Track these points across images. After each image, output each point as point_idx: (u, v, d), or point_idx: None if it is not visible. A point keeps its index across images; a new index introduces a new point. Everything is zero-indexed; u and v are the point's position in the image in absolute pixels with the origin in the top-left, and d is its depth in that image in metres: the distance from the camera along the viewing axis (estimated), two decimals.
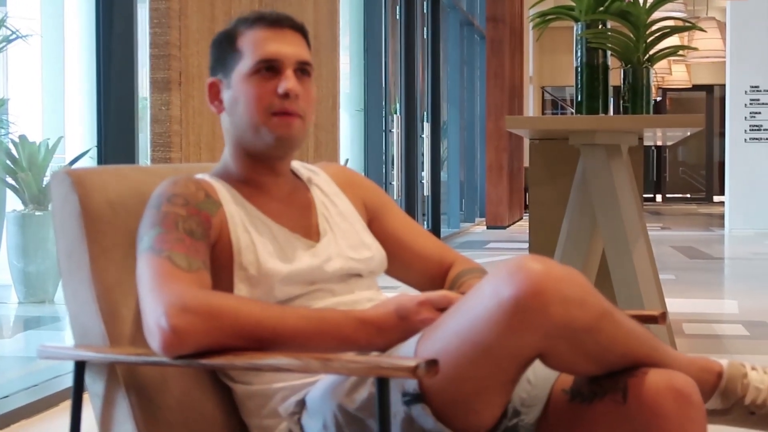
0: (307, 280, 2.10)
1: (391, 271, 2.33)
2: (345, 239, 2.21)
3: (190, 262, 1.94)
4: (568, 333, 1.76)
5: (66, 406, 4.00)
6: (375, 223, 2.32)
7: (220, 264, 2.06)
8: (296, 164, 2.30)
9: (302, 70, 2.14)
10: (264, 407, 2.05)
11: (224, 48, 2.17)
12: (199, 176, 2.18)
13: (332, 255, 2.16)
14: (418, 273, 2.31)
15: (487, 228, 15.04)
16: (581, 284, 1.79)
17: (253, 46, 2.12)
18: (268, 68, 2.11)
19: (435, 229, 12.23)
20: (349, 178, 2.36)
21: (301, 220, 2.19)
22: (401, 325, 1.87)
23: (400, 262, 2.31)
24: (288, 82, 2.09)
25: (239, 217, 2.11)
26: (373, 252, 2.23)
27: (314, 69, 2.20)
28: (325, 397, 1.95)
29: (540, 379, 1.97)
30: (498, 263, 2.03)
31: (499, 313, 1.75)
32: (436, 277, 2.30)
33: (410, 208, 10.84)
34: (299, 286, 2.08)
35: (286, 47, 2.12)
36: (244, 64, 2.12)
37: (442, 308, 1.89)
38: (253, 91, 2.10)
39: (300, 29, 2.18)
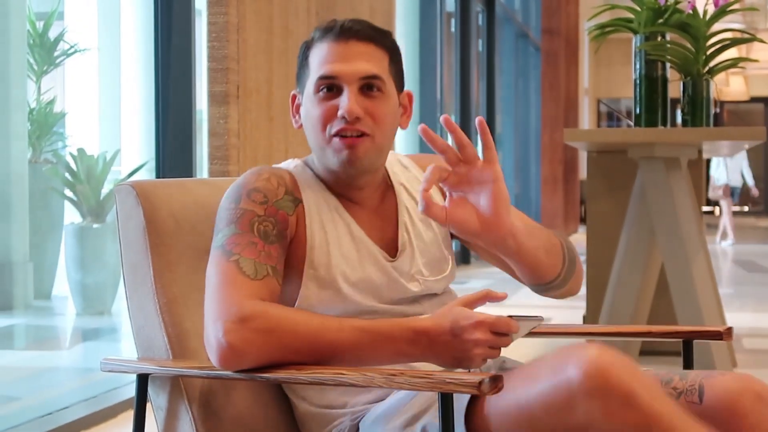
0: (375, 295, 2.04)
1: (492, 261, 2.18)
2: (424, 255, 2.12)
3: (257, 268, 1.91)
4: (619, 427, 1.72)
5: (124, 417, 4.02)
6: None
7: (294, 260, 2.02)
8: (392, 160, 2.20)
9: (368, 86, 2.02)
10: (323, 429, 2.04)
11: (300, 60, 2.10)
12: (287, 165, 2.13)
13: (406, 276, 2.09)
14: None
15: None
16: (647, 385, 1.72)
17: (317, 62, 2.04)
18: (329, 87, 2.02)
19: None
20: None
21: (384, 230, 2.11)
22: (452, 342, 1.82)
23: (494, 257, 2.13)
24: (346, 102, 2.00)
25: (318, 213, 2.05)
26: (450, 266, 2.16)
27: (396, 85, 2.09)
28: (377, 423, 1.94)
29: None
30: (570, 346, 1.95)
31: (560, 396, 1.71)
32: None
33: None
34: (367, 299, 2.03)
35: (346, 64, 2.01)
36: (310, 82, 2.05)
37: (498, 332, 1.81)
38: (315, 111, 2.03)
39: (371, 38, 2.05)
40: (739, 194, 17.33)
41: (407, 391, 1.93)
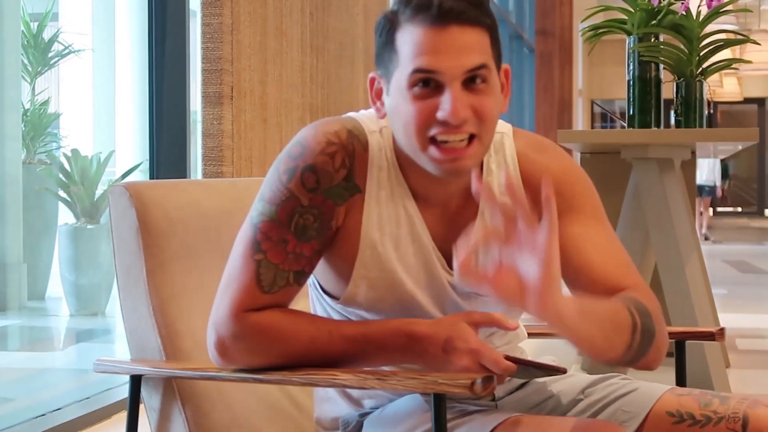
0: (425, 303, 1.87)
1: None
2: None
3: (276, 279, 1.79)
4: None
5: (118, 418, 4.02)
6: None
7: (344, 253, 1.85)
8: (497, 146, 1.90)
9: (472, 78, 1.74)
10: (336, 415, 2.02)
11: (384, 40, 1.79)
12: (380, 126, 1.86)
13: (464, 294, 1.88)
14: (583, 291, 1.85)
15: None
16: None
17: (410, 49, 1.73)
18: (426, 82, 1.74)
19: None
20: (538, 178, 1.85)
21: (453, 239, 1.68)
22: (441, 357, 1.77)
23: (565, 275, 1.85)
24: (449, 104, 1.71)
25: (378, 206, 1.84)
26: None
27: (496, 64, 1.79)
28: (380, 425, 1.93)
29: (635, 406, 1.90)
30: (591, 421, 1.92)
31: None
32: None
33: None
34: (416, 308, 1.87)
35: (448, 56, 1.72)
36: (401, 72, 1.75)
37: (487, 369, 1.72)
38: (408, 110, 1.74)
39: (474, 20, 1.74)
40: (712, 193, 17.71)
41: (414, 399, 1.92)
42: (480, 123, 1.75)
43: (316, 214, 1.80)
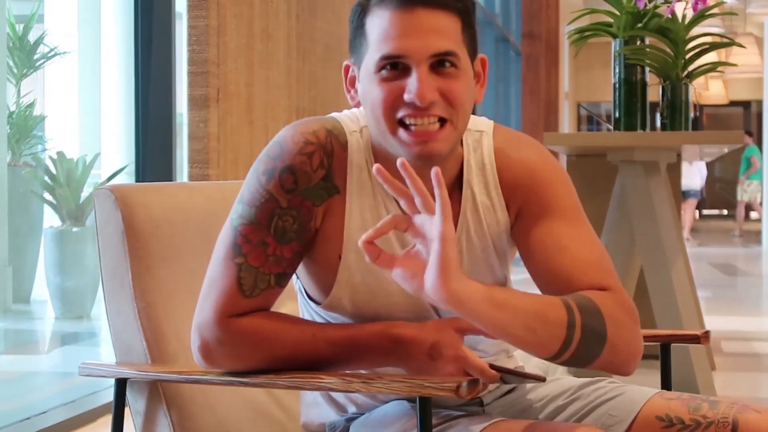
0: (409, 303, 1.85)
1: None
2: (474, 276, 1.80)
3: (257, 282, 1.79)
4: None
5: (103, 422, 4.01)
6: (519, 224, 1.87)
7: (326, 254, 1.84)
8: (471, 142, 1.89)
9: (440, 62, 1.73)
10: (323, 420, 2.02)
11: (355, 26, 1.79)
12: (360, 126, 1.85)
13: None
14: (555, 293, 1.78)
15: None
16: None
17: (378, 33, 1.73)
18: (394, 65, 1.73)
19: None
20: (516, 180, 1.88)
21: None
22: (425, 361, 1.77)
23: (537, 277, 1.84)
24: (414, 85, 1.71)
25: (360, 207, 1.83)
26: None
27: (470, 53, 1.78)
28: (367, 428, 1.93)
29: (622, 410, 1.90)
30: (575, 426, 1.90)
31: None
32: None
33: None
34: (401, 309, 1.85)
35: (415, 39, 1.71)
36: (370, 57, 1.75)
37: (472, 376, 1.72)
38: (376, 92, 1.74)
39: (442, 3, 1.74)
40: (697, 196, 18.00)
41: (401, 404, 1.92)
42: (449, 107, 1.74)
43: (294, 215, 1.79)
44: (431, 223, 1.59)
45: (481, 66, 1.84)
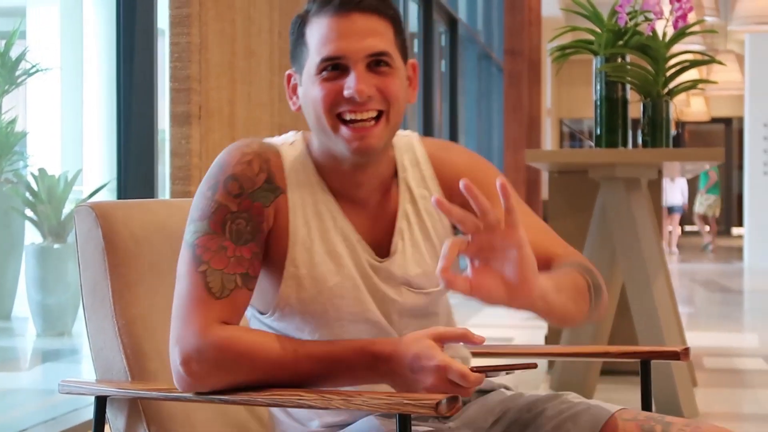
0: (358, 299, 1.92)
1: None
2: (419, 266, 1.96)
3: (224, 282, 1.83)
4: None
5: None
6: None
7: (275, 254, 1.91)
8: (402, 146, 2.02)
9: (376, 62, 1.87)
10: None
11: (295, 37, 1.92)
12: (286, 139, 1.98)
13: (393, 281, 1.95)
14: None
15: None
16: None
17: (317, 40, 1.87)
18: (334, 66, 1.86)
19: None
20: (453, 169, 2.01)
21: (377, 231, 1.96)
22: (408, 376, 1.77)
23: None
24: (353, 82, 1.84)
25: (303, 206, 1.92)
26: (442, 287, 1.95)
27: (402, 56, 1.92)
28: None
29: (583, 428, 1.92)
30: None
31: None
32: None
33: None
34: (350, 304, 1.92)
35: (352, 41, 1.85)
36: (311, 63, 1.88)
37: (455, 384, 1.73)
38: (317, 91, 1.87)
39: (375, 9, 1.88)
40: (680, 212, 18.29)
41: (370, 421, 1.92)
42: (385, 101, 1.87)
43: (246, 217, 1.87)
44: (502, 236, 1.71)
45: (412, 70, 1.97)
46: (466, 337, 1.77)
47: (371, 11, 1.87)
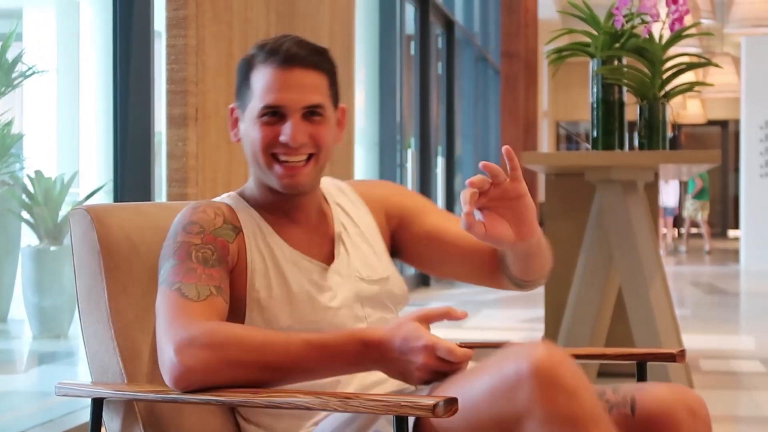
0: (316, 305, 2.08)
1: (443, 272, 2.27)
2: (360, 260, 2.18)
3: (199, 291, 1.95)
4: (559, 419, 1.73)
5: None
6: (408, 228, 2.28)
7: (238, 288, 2.05)
8: (328, 183, 2.27)
9: (311, 112, 2.08)
10: None
11: (241, 78, 2.13)
12: (223, 199, 2.17)
13: (345, 277, 2.15)
14: (469, 266, 2.24)
15: None
16: (588, 385, 1.76)
17: (260, 87, 2.08)
18: (273, 113, 2.07)
19: None
20: (374, 194, 2.31)
21: (320, 245, 2.17)
22: (399, 359, 1.83)
23: (449, 259, 2.24)
24: (289, 130, 2.05)
25: (255, 239, 2.10)
26: (390, 274, 2.20)
27: (333, 104, 2.15)
28: None
29: None
30: (519, 343, 1.95)
31: (505, 385, 1.74)
32: (490, 265, 2.22)
33: None
34: (310, 311, 2.07)
35: (292, 93, 2.06)
36: (253, 105, 2.09)
37: (444, 359, 1.80)
38: (257, 133, 2.08)
39: (314, 65, 2.09)
40: (672, 214, 18.41)
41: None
42: (316, 146, 2.09)
43: (212, 248, 2.02)
44: (508, 188, 1.94)
45: (341, 114, 2.20)
46: (449, 314, 1.86)
47: (311, 67, 2.08)
